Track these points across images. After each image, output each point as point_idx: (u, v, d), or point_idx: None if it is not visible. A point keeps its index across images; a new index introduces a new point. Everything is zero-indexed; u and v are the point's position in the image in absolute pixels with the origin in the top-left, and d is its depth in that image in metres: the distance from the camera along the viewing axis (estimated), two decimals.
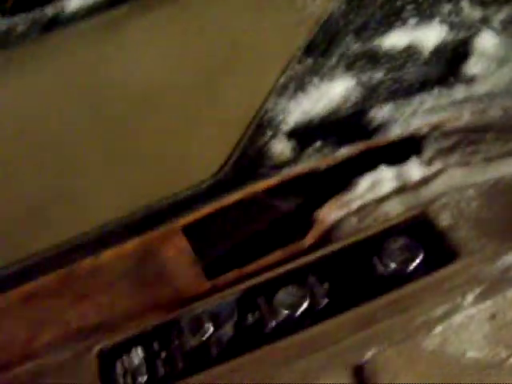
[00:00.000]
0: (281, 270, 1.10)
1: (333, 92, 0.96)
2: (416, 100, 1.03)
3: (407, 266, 1.06)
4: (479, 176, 1.15)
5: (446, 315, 1.11)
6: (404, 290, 1.04)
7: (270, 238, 1.16)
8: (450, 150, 1.15)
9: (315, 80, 0.95)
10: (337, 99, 0.97)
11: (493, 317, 1.16)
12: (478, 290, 1.10)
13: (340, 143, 1.02)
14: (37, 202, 0.91)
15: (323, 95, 0.96)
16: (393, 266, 1.06)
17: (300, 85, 0.93)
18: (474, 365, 1.22)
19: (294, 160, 0.99)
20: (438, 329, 1.14)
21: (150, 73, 0.89)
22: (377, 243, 1.10)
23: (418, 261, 1.07)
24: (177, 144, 0.93)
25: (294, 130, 0.97)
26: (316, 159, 1.01)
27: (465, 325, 1.16)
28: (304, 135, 0.99)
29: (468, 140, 1.14)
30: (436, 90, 1.03)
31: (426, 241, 1.08)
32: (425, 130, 1.07)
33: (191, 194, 0.96)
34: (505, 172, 1.15)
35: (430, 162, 1.17)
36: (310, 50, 0.92)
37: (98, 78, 0.88)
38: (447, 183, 1.18)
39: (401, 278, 1.06)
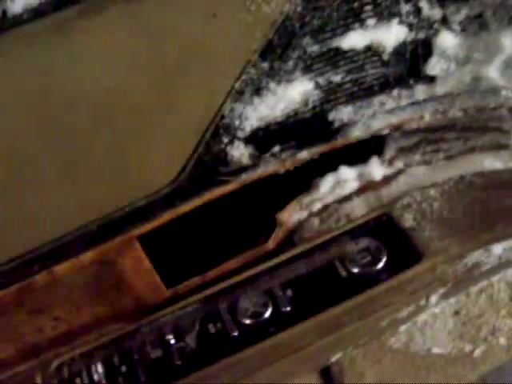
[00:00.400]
0: (242, 275, 1.08)
1: (290, 96, 0.94)
2: (376, 102, 1.01)
3: (371, 268, 1.05)
4: (440, 175, 1.14)
5: (411, 316, 1.10)
6: (368, 294, 1.03)
7: (231, 243, 1.13)
8: (410, 149, 1.14)
9: (272, 84, 0.92)
10: (295, 103, 0.95)
11: (456, 313, 1.16)
12: (441, 291, 1.09)
13: (299, 147, 0.99)
14: None
15: (280, 99, 0.93)
16: (355, 270, 1.05)
17: (256, 89, 0.90)
18: (439, 360, 1.24)
19: (252, 165, 0.96)
20: (403, 328, 1.14)
21: (101, 79, 0.86)
22: (340, 246, 1.08)
23: (381, 263, 1.06)
24: (131, 153, 0.90)
25: (252, 136, 0.94)
26: (275, 164, 0.98)
27: (429, 323, 1.17)
28: (262, 140, 0.96)
29: (429, 139, 1.13)
30: (396, 91, 1.01)
31: (389, 242, 1.07)
32: (385, 131, 1.05)
33: (147, 204, 0.92)
34: (465, 170, 1.14)
35: (391, 162, 1.15)
36: (265, 53, 0.89)
37: (47, 87, 0.84)
38: (409, 183, 1.16)
39: (365, 281, 1.05)
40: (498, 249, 1.05)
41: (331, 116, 1.00)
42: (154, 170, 0.94)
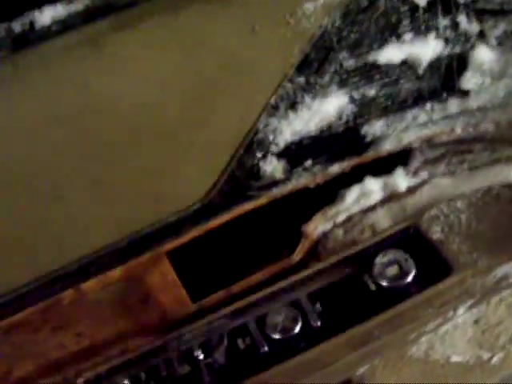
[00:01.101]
0: (270, 289, 1.05)
1: (325, 110, 0.92)
2: (409, 115, 0.99)
3: (400, 281, 1.03)
4: (466, 186, 1.13)
5: (437, 328, 1.09)
6: (398, 308, 1.01)
7: (257, 255, 1.11)
8: (436, 160, 1.13)
9: (307, 99, 0.90)
10: (328, 117, 0.93)
11: (476, 322, 1.15)
12: (469, 303, 1.08)
13: (331, 161, 0.98)
14: (20, 232, 0.84)
15: (315, 114, 0.91)
16: (384, 283, 1.03)
17: (291, 104, 0.88)
18: (458, 368, 1.22)
19: (283, 180, 0.95)
20: (424, 337, 1.12)
21: (137, 94, 0.83)
22: (368, 258, 1.07)
23: (410, 276, 1.04)
24: (165, 168, 0.88)
25: (285, 150, 0.92)
26: (306, 178, 0.97)
27: (450, 331, 1.15)
28: (294, 155, 0.94)
29: (455, 150, 1.11)
30: (429, 105, 1.00)
31: (417, 254, 1.06)
32: (415, 143, 1.03)
33: (177, 220, 0.90)
34: (492, 181, 1.13)
35: (415, 173, 1.14)
36: (302, 67, 0.87)
37: (82, 100, 0.81)
38: (433, 193, 1.15)
39: (394, 295, 1.03)
40: None
41: (364, 130, 0.98)
42: (185, 185, 0.92)
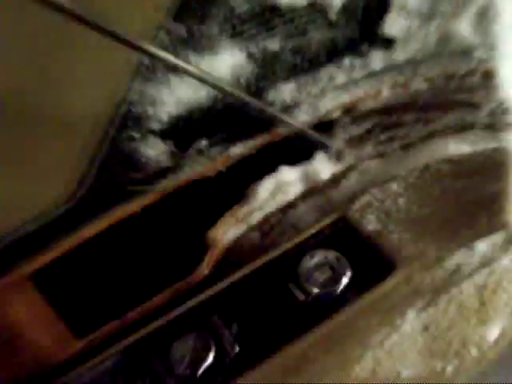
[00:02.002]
0: (173, 314, 0.84)
1: (216, 71, 0.70)
2: (323, 75, 0.79)
3: (334, 287, 0.83)
4: (399, 167, 0.93)
5: (384, 340, 0.88)
6: (335, 320, 0.80)
7: (156, 274, 0.88)
8: (361, 139, 0.93)
9: (192, 56, 0.68)
10: (222, 81, 0.71)
11: (426, 329, 0.98)
12: (419, 305, 0.88)
13: (231, 140, 0.76)
14: None
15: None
16: (315, 290, 0.82)
17: (172, 64, 0.66)
18: None
19: (173, 168, 0.72)
20: (370, 353, 0.91)
21: None
22: (292, 264, 0.85)
23: (346, 279, 0.83)
24: (16, 161, 0.63)
25: (171, 128, 0.70)
26: (202, 163, 0.74)
27: (398, 343, 0.96)
28: (183, 133, 0.71)
29: (382, 125, 0.92)
30: (347, 61, 0.79)
31: (351, 252, 0.85)
32: (335, 113, 0.83)
33: (37, 229, 0.66)
34: (428, 158, 0.93)
35: (339, 157, 0.93)
36: (181, 14, 0.65)
37: None
38: (363, 179, 0.95)
39: (328, 304, 0.82)
40: (482, 246, 0.85)
41: (270, 96, 0.77)
42: (44, 182, 0.68)
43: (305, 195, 0.96)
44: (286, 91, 0.78)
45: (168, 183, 0.75)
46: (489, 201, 0.88)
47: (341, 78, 0.80)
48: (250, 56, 0.73)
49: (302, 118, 0.79)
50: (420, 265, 0.84)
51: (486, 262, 0.93)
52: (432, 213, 0.88)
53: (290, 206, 0.96)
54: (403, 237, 0.86)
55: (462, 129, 0.93)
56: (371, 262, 0.85)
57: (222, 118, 0.75)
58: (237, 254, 0.94)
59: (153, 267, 0.87)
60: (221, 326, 0.82)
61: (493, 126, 0.93)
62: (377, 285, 0.82)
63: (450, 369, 1.04)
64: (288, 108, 0.77)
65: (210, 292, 0.85)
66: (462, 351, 1.06)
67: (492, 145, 0.93)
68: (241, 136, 0.78)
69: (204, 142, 0.76)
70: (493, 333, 1.13)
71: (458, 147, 0.94)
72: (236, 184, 0.88)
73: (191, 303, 0.84)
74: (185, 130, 0.74)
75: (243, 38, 0.72)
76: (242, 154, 0.79)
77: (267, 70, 0.75)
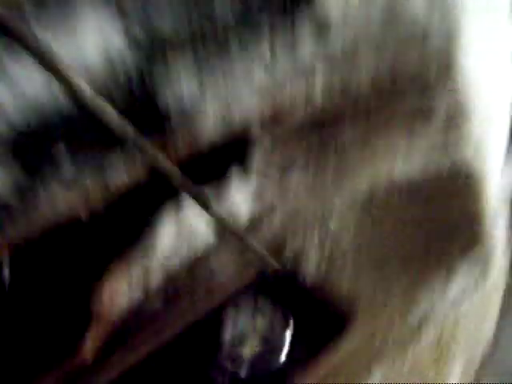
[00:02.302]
0: None
1: (76, 55, 0.47)
2: (237, 68, 0.56)
3: (272, 360, 0.60)
4: (338, 198, 0.73)
5: None
6: None
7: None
8: (284, 166, 0.71)
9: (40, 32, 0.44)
10: (89, 69, 0.48)
11: None
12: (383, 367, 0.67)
13: (108, 160, 0.52)
14: None
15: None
16: (243, 371, 0.59)
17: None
18: None
19: (19, 208, 0.48)
20: None
21: None
22: (210, 332, 0.63)
23: (284, 349, 0.61)
24: None
25: (13, 144, 0.46)
26: (66, 198, 0.50)
27: None
28: (34, 151, 0.47)
29: (315, 142, 0.71)
30: (266, 43, 0.58)
31: (289, 310, 0.63)
32: (255, 127, 0.61)
33: None
34: (372, 184, 0.73)
35: (260, 193, 0.72)
36: None
37: None
38: (292, 219, 0.73)
39: None
40: (454, 289, 0.65)
41: (163, 98, 0.54)
42: None
43: (220, 242, 0.73)
44: (184, 90, 0.55)
45: (17, 230, 0.50)
46: (457, 229, 0.68)
47: (259, 72, 0.58)
48: (128, 35, 0.50)
49: (207, 131, 0.56)
50: (383, 317, 0.63)
51: (456, 303, 0.73)
52: (389, 250, 0.67)
53: (201, 257, 0.73)
54: (355, 284, 0.64)
55: (411, 142, 0.74)
56: (318, 323, 0.62)
57: (92, 126, 0.51)
58: (134, 326, 0.70)
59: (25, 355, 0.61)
60: None
61: (448, 137, 0.75)
62: (326, 350, 0.60)
63: None
64: (188, 116, 0.54)
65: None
66: None
67: (449, 160, 0.74)
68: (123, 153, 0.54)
69: (67, 165, 0.51)
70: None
71: (408, 166, 0.74)
72: (121, 227, 0.64)
73: None
74: (36, 146, 0.49)
75: (115, 7, 0.49)
76: (128, 182, 0.55)
77: (157, 59, 0.52)
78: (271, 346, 0.60)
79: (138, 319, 0.70)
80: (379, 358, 0.63)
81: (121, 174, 0.53)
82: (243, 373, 0.58)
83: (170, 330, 0.64)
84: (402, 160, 0.72)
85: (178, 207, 0.67)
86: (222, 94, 0.56)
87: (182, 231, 0.71)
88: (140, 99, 0.52)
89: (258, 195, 0.75)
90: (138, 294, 0.71)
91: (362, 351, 0.62)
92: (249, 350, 0.60)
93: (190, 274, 0.73)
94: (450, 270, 0.66)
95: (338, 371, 0.61)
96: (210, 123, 0.57)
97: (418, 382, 0.84)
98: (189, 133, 0.55)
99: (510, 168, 0.95)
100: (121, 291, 0.69)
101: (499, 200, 0.85)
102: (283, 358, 0.59)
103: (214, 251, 0.74)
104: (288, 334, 0.60)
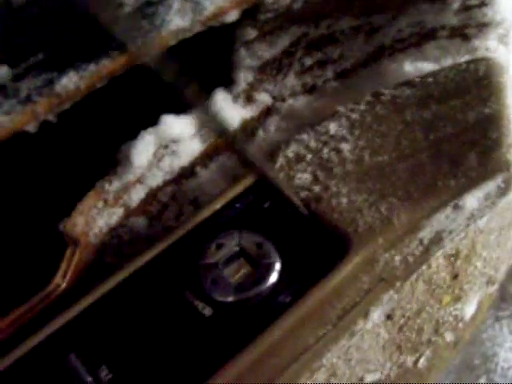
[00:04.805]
0: (18, 351, 0.53)
1: None
2: None
3: (258, 287, 0.51)
4: (338, 101, 0.62)
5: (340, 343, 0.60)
6: (262, 342, 0.48)
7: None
8: (278, 64, 0.60)
9: None
10: None
11: (389, 317, 0.68)
12: (386, 297, 0.59)
13: (53, 68, 0.42)
14: None
15: None
16: (229, 298, 0.50)
17: None
18: None
19: None
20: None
21: None
22: (191, 259, 0.53)
23: (274, 274, 0.52)
24: None
25: None
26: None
27: (355, 343, 0.66)
28: None
29: (307, 40, 0.60)
30: None
31: (279, 232, 0.54)
32: (231, 14, 0.50)
33: None
34: (378, 85, 0.63)
35: (249, 96, 0.62)
36: None
37: None
38: (287, 125, 0.63)
39: (251, 317, 0.50)
40: (472, 200, 0.55)
41: None
42: None
43: (205, 155, 0.64)
44: None
45: None
46: (475, 133, 0.57)
47: None
48: None
49: (176, 23, 0.45)
50: (385, 239, 0.53)
51: (473, 218, 0.64)
52: (394, 161, 0.57)
53: (186, 173, 0.64)
54: (355, 201, 0.54)
55: (422, 39, 0.62)
56: (311, 243, 0.53)
57: (40, 20, 0.41)
58: (114, 251, 0.62)
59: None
60: (83, 370, 0.49)
61: (463, 31, 0.63)
62: (321, 280, 0.51)
63: (422, 361, 0.79)
64: (150, 9, 0.43)
65: (67, 314, 0.52)
66: (435, 338, 0.80)
67: (465, 57, 0.63)
68: (76, 56, 0.44)
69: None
70: (469, 309, 0.87)
71: (418, 66, 0.63)
72: (89, 145, 0.55)
73: (40, 335, 0.51)
74: None
75: None
76: (86, 85, 0.45)
77: None
78: (258, 268, 0.51)
79: (119, 242, 0.62)
80: (383, 288, 0.54)
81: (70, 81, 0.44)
82: (227, 296, 0.50)
83: (150, 254, 0.55)
84: (411, 58, 0.61)
85: (158, 120, 0.57)
86: None
87: (163, 143, 0.61)
88: None
89: (249, 97, 0.64)
90: (117, 215, 0.63)
91: (363, 274, 0.54)
92: (234, 271, 0.52)
93: (175, 186, 0.65)
94: (466, 181, 0.56)
95: (335, 297, 0.53)
96: (180, 13, 0.46)
97: (434, 305, 0.77)
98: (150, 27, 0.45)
99: None
100: (97, 213, 0.61)
101: None
102: (272, 282, 0.51)
103: (200, 164, 0.65)
104: (277, 257, 0.52)
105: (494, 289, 0.94)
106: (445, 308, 0.80)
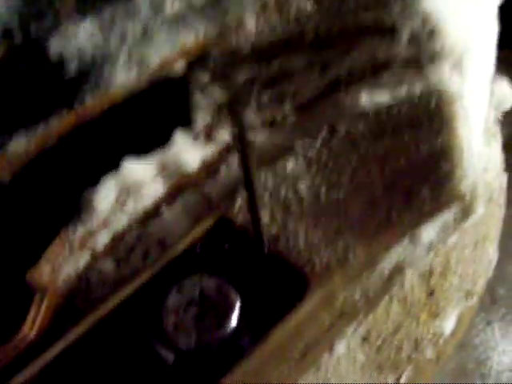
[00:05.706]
0: None
1: None
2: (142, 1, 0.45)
3: (220, 330, 0.52)
4: (296, 137, 0.63)
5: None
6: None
7: None
8: (236, 102, 0.60)
9: None
10: None
11: (365, 340, 0.69)
12: (350, 330, 0.58)
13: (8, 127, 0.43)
14: None
15: None
16: (191, 343, 0.51)
17: None
18: None
19: None
20: None
21: None
22: (154, 304, 0.54)
23: (234, 316, 0.52)
24: None
25: None
26: None
27: (331, 368, 0.65)
28: None
29: (261, 79, 0.61)
30: None
31: (241, 272, 0.54)
32: (178, 65, 0.50)
33: None
34: (333, 118, 0.63)
35: (209, 134, 0.62)
36: None
37: None
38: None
39: (208, 363, 0.50)
40: (429, 231, 0.56)
41: (54, 47, 0.43)
42: None
43: (169, 196, 0.64)
44: (80, 35, 0.44)
45: None
46: (427, 165, 0.58)
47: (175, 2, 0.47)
48: None
49: (120, 79, 0.46)
50: (343, 275, 0.54)
51: (433, 247, 0.64)
52: (349, 196, 0.57)
53: (150, 214, 0.64)
54: (314, 238, 0.55)
55: (375, 70, 0.62)
56: (271, 283, 0.54)
57: None
58: (84, 296, 0.62)
59: None
60: None
61: (416, 61, 0.63)
62: (282, 318, 0.51)
63: (404, 378, 0.80)
64: (92, 68, 0.44)
65: (37, 362, 0.53)
66: (416, 355, 0.81)
67: (418, 86, 0.63)
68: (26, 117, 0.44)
69: None
70: (448, 325, 0.87)
71: (374, 97, 0.63)
72: (51, 196, 0.55)
73: None
74: None
75: None
76: (37, 145, 0.46)
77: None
78: (219, 311, 0.52)
79: (85, 288, 0.62)
80: (345, 321, 0.55)
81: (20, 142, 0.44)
82: (189, 342, 0.51)
83: (123, 292, 0.56)
84: (365, 89, 0.61)
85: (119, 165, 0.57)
86: (131, 33, 0.45)
87: (125, 187, 0.62)
88: (24, 49, 0.42)
89: (208, 136, 0.65)
90: (84, 256, 0.63)
91: (323, 311, 0.54)
92: (194, 315, 0.52)
93: (140, 228, 0.65)
94: (421, 214, 0.56)
95: (296, 336, 0.53)
96: (124, 69, 0.46)
97: (412, 323, 0.77)
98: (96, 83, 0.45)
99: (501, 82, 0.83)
100: (63, 259, 0.61)
101: (488, 121, 0.75)
102: (233, 325, 0.51)
103: (164, 205, 0.65)
104: (238, 299, 0.52)
105: (473, 302, 0.94)
106: (423, 325, 0.81)
